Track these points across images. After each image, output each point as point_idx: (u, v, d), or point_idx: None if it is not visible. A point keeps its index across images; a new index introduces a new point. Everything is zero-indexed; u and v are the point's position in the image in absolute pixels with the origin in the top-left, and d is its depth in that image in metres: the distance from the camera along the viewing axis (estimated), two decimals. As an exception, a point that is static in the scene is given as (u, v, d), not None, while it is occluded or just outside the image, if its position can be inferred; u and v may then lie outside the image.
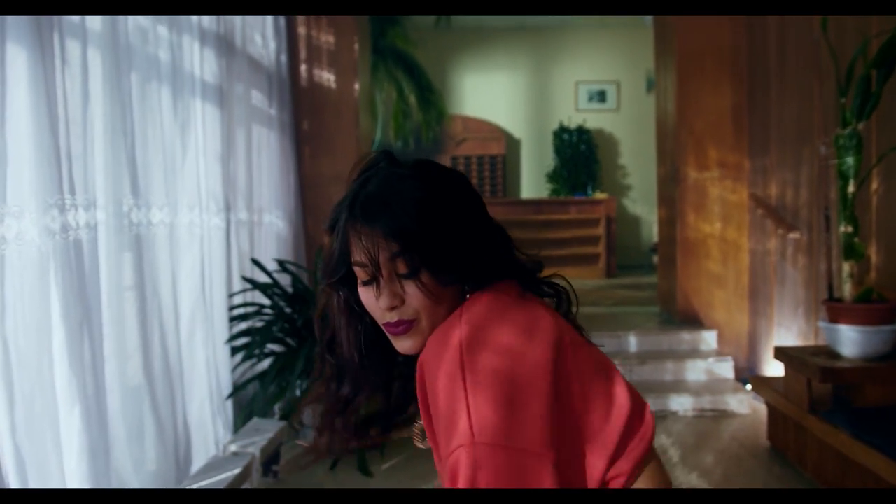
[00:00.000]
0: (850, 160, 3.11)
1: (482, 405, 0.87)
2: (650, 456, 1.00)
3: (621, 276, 9.02)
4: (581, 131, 10.39)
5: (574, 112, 10.64)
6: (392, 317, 1.01)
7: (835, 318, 3.11)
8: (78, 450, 2.22)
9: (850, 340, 3.03)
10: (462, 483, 0.84)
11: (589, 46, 10.58)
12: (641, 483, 0.97)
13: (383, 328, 1.04)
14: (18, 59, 2.05)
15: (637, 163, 10.43)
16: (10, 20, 2.01)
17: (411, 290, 1.00)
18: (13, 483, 1.97)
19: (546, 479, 0.85)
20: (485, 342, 0.92)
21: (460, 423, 0.87)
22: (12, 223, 2.03)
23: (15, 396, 2.01)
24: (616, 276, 9.00)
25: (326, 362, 1.13)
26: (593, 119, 10.59)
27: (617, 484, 0.95)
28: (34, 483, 2.05)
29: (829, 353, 3.18)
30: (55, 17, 2.21)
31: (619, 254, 9.65)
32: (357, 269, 1.02)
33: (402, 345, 1.03)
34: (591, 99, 10.73)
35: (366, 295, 1.03)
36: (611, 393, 0.97)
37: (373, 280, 1.01)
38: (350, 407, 1.11)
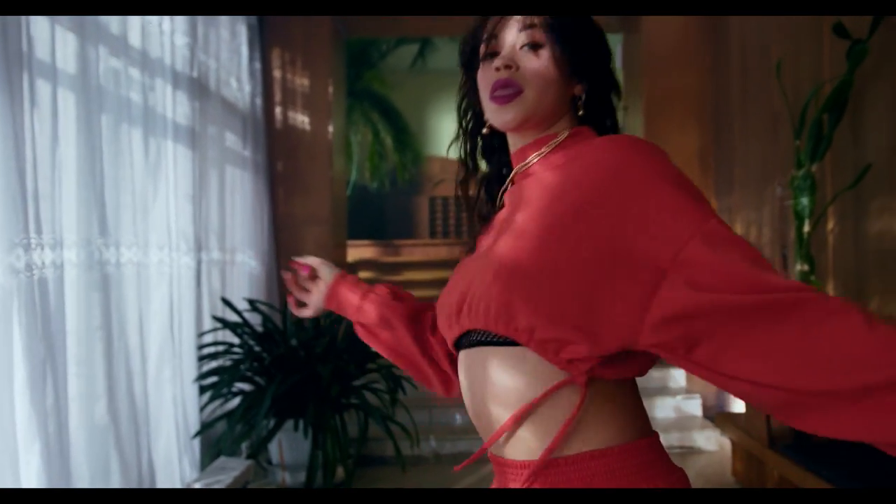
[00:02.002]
0: (804, 201, 3.21)
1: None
2: None
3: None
4: (557, 172, 10.52)
5: (550, 154, 10.77)
6: (501, 75, 1.04)
7: (793, 354, 3.17)
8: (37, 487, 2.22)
9: (807, 376, 3.09)
10: (732, 242, 0.87)
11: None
12: None
13: (489, 102, 1.06)
14: (-14, 101, 2.10)
15: (613, 203, 10.55)
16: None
17: (530, 62, 1.04)
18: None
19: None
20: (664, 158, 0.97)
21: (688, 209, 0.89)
22: (-24, 262, 2.06)
23: (-26, 434, 2.03)
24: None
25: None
26: (569, 160, 10.73)
27: None
28: (-9, 521, 2.05)
29: (789, 388, 3.24)
30: (25, 58, 2.26)
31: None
32: (486, 45, 1.08)
33: (503, 117, 1.05)
34: (567, 140, 10.88)
35: (483, 71, 1.08)
36: None
37: (494, 54, 1.06)
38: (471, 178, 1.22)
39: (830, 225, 3.47)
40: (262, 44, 5.09)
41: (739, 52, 4.63)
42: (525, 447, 0.98)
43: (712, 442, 4.34)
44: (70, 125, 2.60)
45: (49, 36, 2.45)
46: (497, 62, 1.04)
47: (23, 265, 2.19)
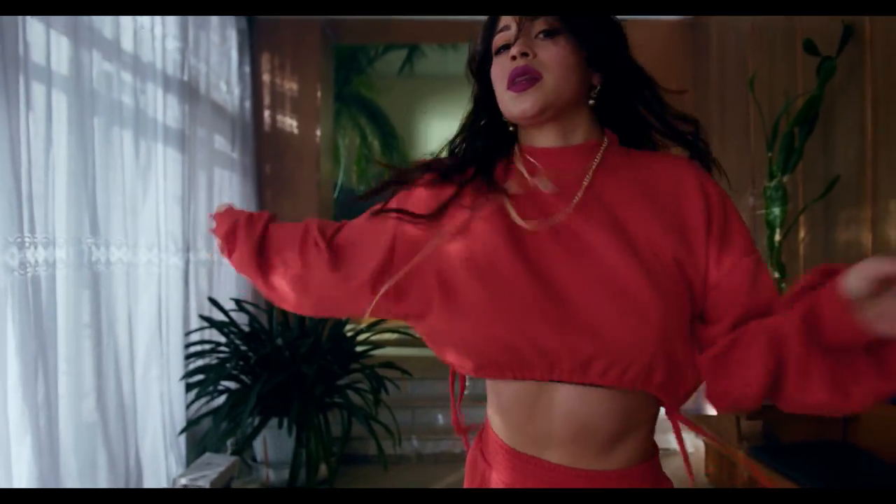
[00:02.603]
0: (776, 210, 3.32)
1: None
2: None
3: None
4: (542, 177, 10.64)
5: (536, 159, 10.89)
6: (518, 62, 1.01)
7: (763, 358, 3.28)
8: (27, 481, 2.29)
9: (776, 380, 3.20)
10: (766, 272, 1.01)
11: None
12: None
13: (507, 92, 1.03)
14: (-16, 104, 2.17)
15: (597, 209, 10.67)
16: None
17: (547, 49, 1.01)
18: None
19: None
20: None
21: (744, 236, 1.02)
22: (-29, 260, 2.13)
23: (-32, 426, 2.09)
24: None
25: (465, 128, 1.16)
26: (555, 166, 10.85)
27: None
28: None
29: (758, 392, 3.35)
30: (21, 62, 2.32)
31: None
32: (498, 38, 1.06)
33: (521, 105, 1.01)
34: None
35: (497, 64, 1.05)
36: None
37: (509, 46, 1.03)
38: (454, 166, 1.14)
39: (802, 234, 3.58)
40: (252, 48, 5.17)
41: (718, 63, 4.75)
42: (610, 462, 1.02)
43: (688, 443, 4.44)
44: (63, 127, 2.67)
45: (44, 40, 2.52)
46: (513, 50, 1.02)
47: (17, 263, 2.26)
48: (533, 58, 1.01)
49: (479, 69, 1.11)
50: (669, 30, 5.24)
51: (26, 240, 2.31)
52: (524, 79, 1.00)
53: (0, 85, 2.19)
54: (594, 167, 1.05)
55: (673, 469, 4.05)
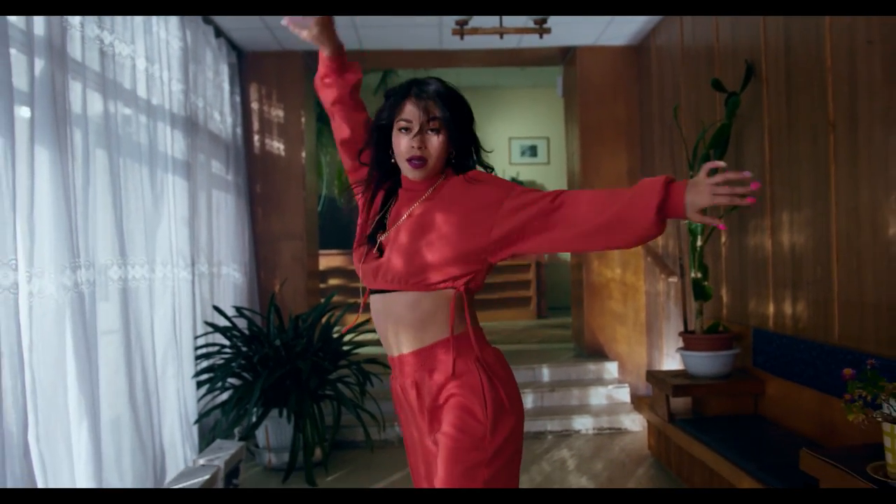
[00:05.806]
0: (697, 220, 3.92)
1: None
2: None
3: (551, 317, 9.77)
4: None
5: (508, 166, 11.44)
6: (416, 152, 1.73)
7: (689, 346, 3.90)
8: (85, 460, 2.84)
9: (699, 363, 3.81)
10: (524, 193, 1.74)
11: (521, 105, 11.46)
12: None
13: (406, 164, 1.76)
14: (42, 156, 2.71)
15: (565, 212, 11.27)
16: (38, 125, 2.67)
17: (432, 142, 1.74)
18: (39, 481, 2.57)
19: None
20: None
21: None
22: (37, 282, 2.67)
23: (39, 416, 2.63)
24: (546, 317, 9.75)
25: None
26: (526, 172, 11.41)
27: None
28: (53, 482, 2.66)
29: (686, 374, 3.96)
30: (67, 113, 2.86)
31: (549, 296, 10.42)
32: (401, 122, 1.74)
33: (414, 175, 1.77)
34: (523, 153, 11.57)
35: (401, 140, 1.75)
36: None
37: (410, 131, 1.73)
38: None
39: (723, 239, 4.20)
40: (242, 79, 5.72)
41: (658, 87, 5.35)
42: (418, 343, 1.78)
43: (637, 423, 5.05)
44: (96, 168, 3.21)
45: (81, 96, 3.07)
46: (413, 142, 1.74)
47: (71, 283, 2.80)
48: (423, 148, 1.74)
49: (380, 121, 1.81)
50: (620, 54, 5.86)
51: (76, 263, 2.85)
52: (418, 162, 1.76)
53: (54, 139, 2.74)
54: (430, 192, 1.81)
55: (623, 444, 4.80)
